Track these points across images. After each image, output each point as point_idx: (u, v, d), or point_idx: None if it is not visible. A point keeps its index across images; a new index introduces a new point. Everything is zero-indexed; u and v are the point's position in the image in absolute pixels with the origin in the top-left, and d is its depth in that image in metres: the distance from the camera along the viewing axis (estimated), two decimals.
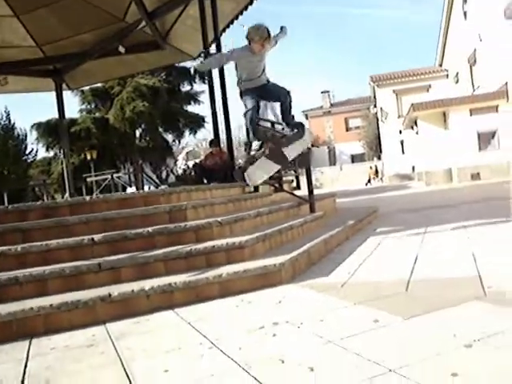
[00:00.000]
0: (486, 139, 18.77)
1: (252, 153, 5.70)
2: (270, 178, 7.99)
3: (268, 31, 4.97)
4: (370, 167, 36.90)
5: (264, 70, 5.36)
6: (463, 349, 2.15)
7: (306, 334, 2.65)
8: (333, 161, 46.11)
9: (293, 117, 5.64)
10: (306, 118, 48.55)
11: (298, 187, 8.94)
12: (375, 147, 38.94)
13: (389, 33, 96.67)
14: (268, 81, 5.46)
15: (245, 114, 5.39)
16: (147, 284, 3.74)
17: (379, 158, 36.83)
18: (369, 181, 34.99)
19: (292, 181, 9.17)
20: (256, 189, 7.18)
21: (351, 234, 6.37)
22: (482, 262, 3.84)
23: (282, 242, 5.09)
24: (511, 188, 11.77)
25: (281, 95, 5.54)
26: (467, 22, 22.95)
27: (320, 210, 6.88)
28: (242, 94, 5.44)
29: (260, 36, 4.92)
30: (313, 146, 44.13)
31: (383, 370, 2.03)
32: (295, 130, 5.63)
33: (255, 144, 5.55)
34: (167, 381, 2.27)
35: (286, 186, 8.27)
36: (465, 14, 23.60)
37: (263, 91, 5.42)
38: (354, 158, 45.30)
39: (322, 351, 2.36)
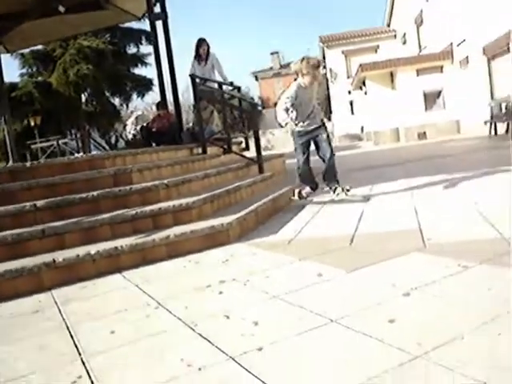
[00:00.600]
0: (431, 99, 19.13)
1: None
2: (219, 139, 7.96)
3: (318, 60, 4.82)
4: None
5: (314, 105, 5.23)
6: (401, 297, 2.23)
7: (251, 291, 2.68)
8: None
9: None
10: (256, 80, 48.24)
11: (247, 148, 8.91)
12: (325, 108, 39.14)
13: None
14: (323, 123, 5.34)
15: (297, 159, 5.29)
16: (93, 248, 3.69)
17: (329, 118, 37.09)
18: None
19: (241, 142, 9.13)
20: (204, 150, 7.12)
21: None
22: (424, 217, 3.95)
23: (230, 202, 5.09)
24: (453, 146, 12.13)
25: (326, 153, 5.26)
26: None
27: (269, 171, 6.89)
28: (293, 133, 5.30)
29: (312, 67, 4.75)
30: (263, 107, 44.00)
31: (325, 321, 2.08)
32: None
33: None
34: (113, 341, 2.26)
35: (235, 148, 8.23)
36: None
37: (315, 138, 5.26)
38: None
39: (267, 306, 2.40)
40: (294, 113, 4.98)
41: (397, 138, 19.82)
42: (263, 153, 7.03)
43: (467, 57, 16.93)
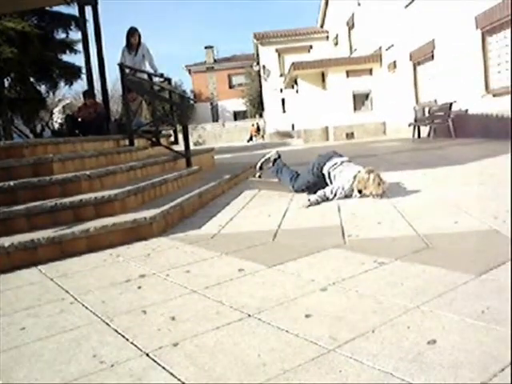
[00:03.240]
0: (360, 100, 19.69)
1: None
2: (147, 132, 7.82)
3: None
4: (252, 124, 37.37)
5: None
6: (318, 292, 2.26)
7: (171, 285, 2.63)
8: (216, 117, 46.01)
9: None
10: (189, 73, 47.78)
11: (176, 142, 8.80)
12: (258, 105, 39.39)
13: None
14: None
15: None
16: (7, 240, 3.51)
17: (261, 115, 37.35)
18: (251, 138, 35.50)
19: (170, 135, 9.01)
20: (131, 142, 6.96)
21: (227, 188, 6.43)
22: (345, 214, 4.05)
23: (155, 195, 5.00)
24: (377, 147, 12.53)
25: None
26: None
27: (197, 165, 6.84)
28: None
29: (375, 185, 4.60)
30: (195, 102, 43.64)
31: (242, 316, 2.08)
32: None
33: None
34: (22, 338, 2.15)
35: (163, 141, 8.11)
36: None
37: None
38: (237, 115, 45.54)
39: (185, 301, 2.37)
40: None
41: (326, 137, 20.24)
42: (194, 147, 6.98)
43: (395, 61, 17.53)
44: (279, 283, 2.46)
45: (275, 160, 5.67)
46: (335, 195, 4.69)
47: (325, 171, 4.97)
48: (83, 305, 2.49)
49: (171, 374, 1.64)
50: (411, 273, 2.40)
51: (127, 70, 7.44)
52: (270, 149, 18.81)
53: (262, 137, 35.70)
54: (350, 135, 19.25)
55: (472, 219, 3.45)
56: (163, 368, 1.69)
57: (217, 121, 44.54)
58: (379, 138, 17.58)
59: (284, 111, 31.68)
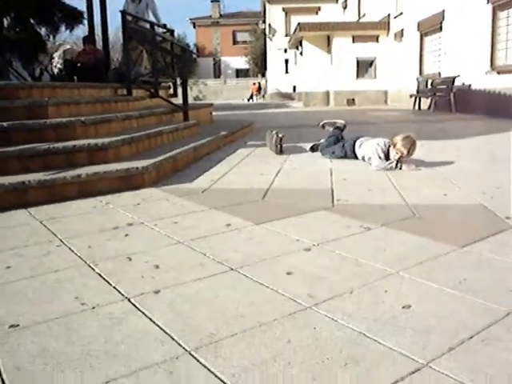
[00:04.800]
0: (364, 67, 19.47)
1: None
2: (146, 82, 7.73)
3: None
4: (254, 83, 36.98)
5: None
6: (302, 252, 2.29)
7: (157, 235, 2.66)
8: (218, 73, 45.47)
9: None
10: (194, 27, 46.95)
11: (175, 95, 8.73)
12: (261, 64, 38.89)
13: None
14: None
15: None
16: None
17: (263, 75, 36.92)
18: (251, 97, 35.19)
19: (169, 87, 8.92)
20: (129, 92, 6.89)
21: (223, 144, 6.41)
22: (338, 178, 4.07)
23: (150, 146, 4.99)
24: (378, 115, 12.48)
25: None
26: None
27: (195, 120, 6.80)
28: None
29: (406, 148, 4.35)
30: (197, 55, 43.04)
31: (225, 269, 2.11)
32: None
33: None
34: (6, 276, 2.18)
35: (162, 93, 8.04)
36: None
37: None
38: (239, 73, 45.02)
39: (171, 250, 2.40)
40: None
41: (327, 102, 20.10)
42: (194, 102, 6.93)
43: (402, 30, 17.27)
44: (264, 240, 2.49)
45: (338, 127, 5.55)
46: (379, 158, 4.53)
47: (356, 148, 4.87)
48: (70, 248, 2.51)
49: (150, 319, 1.68)
50: (395, 240, 2.44)
51: (129, 18, 7.31)
52: (270, 109, 18.66)
53: (263, 96, 35.40)
54: (351, 101, 19.11)
55: (461, 193, 3.47)
56: (143, 313, 1.72)
57: (219, 77, 44.03)
58: (380, 106, 17.47)
59: (287, 72, 31.32)
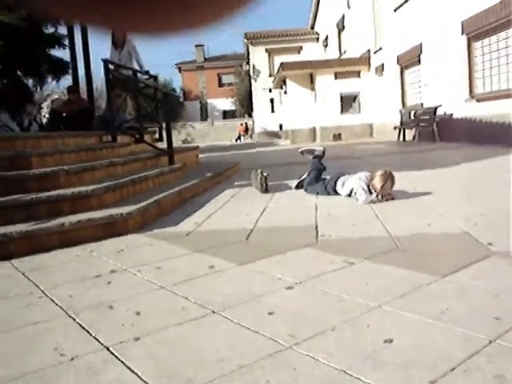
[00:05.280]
0: (348, 102, 19.73)
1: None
2: (131, 128, 7.79)
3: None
4: (241, 124, 37.35)
5: None
6: (284, 290, 2.27)
7: (140, 281, 2.63)
8: (205, 116, 45.92)
9: None
10: (180, 71, 47.66)
11: (161, 139, 8.77)
12: (247, 104, 39.37)
13: None
14: None
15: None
16: None
17: (250, 115, 37.35)
18: (239, 137, 35.47)
19: (155, 132, 8.98)
20: (114, 139, 6.94)
21: (209, 186, 6.42)
22: (322, 214, 4.08)
23: (135, 192, 4.99)
24: (364, 149, 12.60)
25: None
26: None
27: (181, 163, 6.83)
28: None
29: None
30: (181, 98, 43.43)
31: (207, 312, 2.09)
32: None
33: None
34: None
35: (147, 138, 8.09)
36: None
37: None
38: (226, 114, 45.49)
39: (153, 296, 2.37)
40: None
41: (313, 138, 20.28)
42: (182, 145, 6.97)
43: (383, 64, 17.61)
44: (247, 281, 2.47)
45: (318, 156, 5.60)
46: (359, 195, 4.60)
47: (338, 188, 4.90)
48: (51, 299, 2.48)
49: (129, 367, 1.65)
50: (378, 273, 2.43)
51: (112, 66, 7.42)
52: (257, 148, 18.78)
53: (251, 136, 35.70)
54: (337, 136, 19.31)
55: (445, 221, 3.48)
56: (122, 362, 1.69)
57: (206, 119, 44.44)
58: (366, 139, 17.66)
59: (273, 111, 31.68)
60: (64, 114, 8.65)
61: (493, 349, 1.57)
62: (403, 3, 14.88)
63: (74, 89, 9.02)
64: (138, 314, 2.15)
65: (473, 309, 1.91)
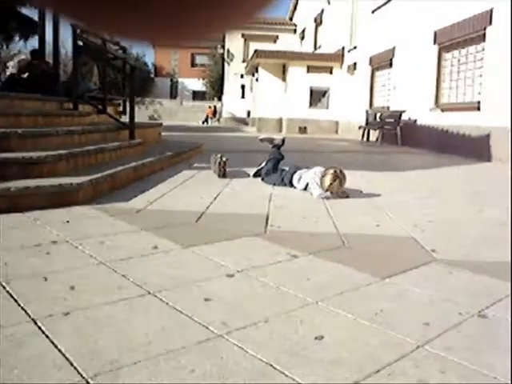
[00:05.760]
0: (317, 97, 19.81)
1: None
2: (95, 98, 7.60)
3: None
4: (209, 106, 37.08)
5: None
6: (224, 278, 2.25)
7: (80, 255, 2.57)
8: (174, 94, 45.36)
9: None
10: (153, 47, 46.85)
11: (125, 113, 8.60)
12: (218, 87, 39.05)
13: None
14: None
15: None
16: None
17: (220, 98, 37.08)
18: (206, 119, 35.21)
19: (119, 105, 8.79)
20: (75, 107, 6.75)
21: (168, 165, 6.33)
22: (275, 205, 4.07)
23: (90, 163, 4.87)
24: (327, 145, 12.69)
25: None
26: None
27: (142, 139, 6.72)
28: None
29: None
30: (155, 75, 42.80)
31: (142, 292, 2.05)
32: None
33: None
34: None
35: (111, 110, 7.91)
36: None
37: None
38: (196, 95, 45.04)
39: (91, 271, 2.31)
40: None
41: (279, 129, 20.30)
42: (149, 122, 6.84)
43: (355, 63, 17.73)
44: (189, 264, 2.44)
45: (276, 145, 5.57)
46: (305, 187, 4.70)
47: (294, 180, 4.90)
48: None
49: (52, 342, 1.60)
50: (320, 269, 2.43)
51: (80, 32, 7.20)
52: (223, 132, 18.70)
53: (218, 120, 35.48)
54: (302, 129, 19.38)
55: (394, 224, 3.53)
56: (46, 336, 1.64)
57: (175, 98, 43.91)
58: (331, 136, 17.78)
59: (243, 97, 31.53)
60: (25, 76, 8.36)
61: (419, 354, 1.59)
62: (381, 6, 14.99)
63: (37, 52, 8.72)
64: (72, 288, 2.09)
65: (406, 313, 1.93)
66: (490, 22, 9.10)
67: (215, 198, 4.24)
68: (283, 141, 5.64)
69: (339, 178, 4.43)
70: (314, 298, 2.03)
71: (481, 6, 9.33)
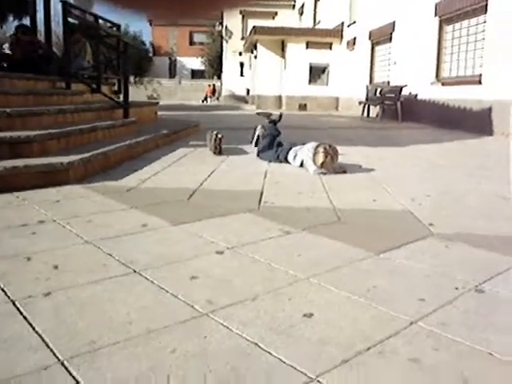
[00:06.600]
0: (316, 74, 19.57)
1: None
2: (89, 77, 7.47)
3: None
4: (209, 85, 36.75)
5: None
6: (213, 255, 2.18)
7: (67, 234, 2.50)
8: (173, 73, 44.96)
9: None
10: (150, 25, 46.32)
11: (120, 92, 8.46)
12: (216, 66, 38.67)
13: None
14: None
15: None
16: None
17: (219, 77, 36.74)
18: (205, 98, 34.93)
19: (114, 84, 8.66)
20: (68, 86, 6.63)
21: (163, 143, 6.24)
22: (271, 180, 4.00)
23: (82, 142, 4.79)
24: (328, 121, 12.56)
25: None
26: None
27: (138, 118, 6.61)
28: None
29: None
30: (154, 54, 42.43)
31: (128, 271, 1.98)
32: None
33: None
34: None
35: (106, 89, 7.79)
36: None
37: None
38: (195, 74, 44.64)
39: (76, 250, 2.24)
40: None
41: (279, 106, 20.10)
42: (147, 100, 6.74)
43: (355, 38, 17.47)
44: (178, 242, 2.37)
45: (273, 121, 5.50)
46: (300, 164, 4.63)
47: (289, 158, 4.82)
48: None
49: (30, 324, 1.53)
50: (313, 244, 2.36)
51: (72, 9, 7.04)
52: (222, 111, 18.57)
53: (217, 98, 35.20)
54: (302, 106, 19.19)
55: (391, 198, 3.45)
56: (24, 318, 1.57)
57: (174, 77, 43.53)
58: (331, 112, 17.60)
59: (242, 75, 31.23)
60: (17, 55, 8.19)
61: (412, 331, 1.52)
62: None
63: (23, 28, 8.51)
64: (55, 267, 2.02)
65: (401, 289, 1.86)
66: None
67: (209, 175, 4.16)
68: (280, 116, 5.54)
69: (330, 154, 4.34)
70: (305, 274, 1.96)
71: None
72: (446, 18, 10.84)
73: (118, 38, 8.23)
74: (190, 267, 2.02)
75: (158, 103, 9.26)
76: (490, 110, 8.83)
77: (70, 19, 7.03)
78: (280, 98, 20.18)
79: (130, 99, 7.47)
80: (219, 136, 5.42)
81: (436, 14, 11.08)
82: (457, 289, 1.88)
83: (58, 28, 12.43)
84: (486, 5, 9.12)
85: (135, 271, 1.98)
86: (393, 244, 2.39)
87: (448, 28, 10.92)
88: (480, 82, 9.27)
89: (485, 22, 9.31)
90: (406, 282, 1.94)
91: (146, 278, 1.91)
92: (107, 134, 5.42)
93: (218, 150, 5.40)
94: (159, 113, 9.85)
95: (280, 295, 1.77)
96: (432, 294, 1.80)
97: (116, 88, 8.66)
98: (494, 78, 8.77)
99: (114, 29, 8.85)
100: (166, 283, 1.85)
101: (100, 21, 8.02)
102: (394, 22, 13.61)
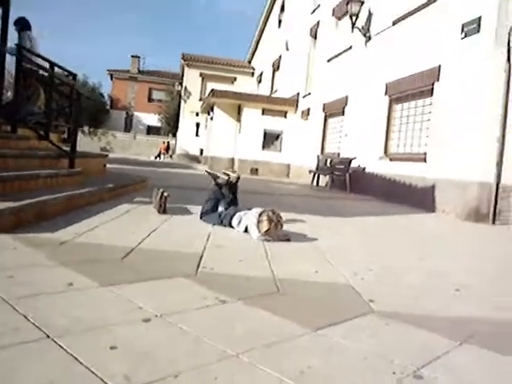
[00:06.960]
0: (270, 139, 19.93)
1: None
2: (38, 123, 7.28)
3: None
4: (163, 142, 36.88)
5: None
6: (140, 322, 2.02)
7: None
8: (129, 127, 44.93)
9: None
10: (111, 79, 46.52)
11: (69, 140, 8.29)
12: (173, 124, 38.95)
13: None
14: None
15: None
16: None
17: (174, 135, 36.93)
18: (159, 155, 34.91)
19: (63, 132, 8.49)
20: (14, 130, 6.43)
21: (107, 197, 6.05)
22: (212, 244, 3.88)
23: (20, 189, 4.57)
24: (278, 187, 12.63)
25: None
26: (280, 30, 24.30)
27: (84, 169, 6.43)
28: None
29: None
30: (111, 107, 42.45)
31: (41, 336, 1.79)
32: None
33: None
34: None
35: (54, 136, 7.60)
36: (279, 21, 24.96)
37: None
38: (150, 130, 44.73)
39: None
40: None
41: (231, 168, 20.17)
42: (98, 152, 6.57)
43: (309, 109, 17.99)
44: (103, 305, 2.19)
45: (219, 184, 5.35)
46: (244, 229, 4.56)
47: (233, 223, 4.74)
48: None
49: None
50: (248, 317, 2.23)
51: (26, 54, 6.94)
52: (174, 169, 18.43)
53: (171, 156, 35.24)
54: (254, 171, 19.36)
55: (333, 271, 3.38)
56: None
57: (129, 131, 43.48)
58: (282, 179, 17.81)
59: (197, 135, 31.52)
60: None
61: None
62: (336, 55, 15.35)
63: None
64: None
65: (335, 371, 1.75)
66: (438, 79, 9.36)
67: (149, 235, 4.00)
68: (228, 181, 5.40)
69: (273, 221, 4.29)
70: (235, 351, 1.82)
71: (430, 63, 9.61)
72: (395, 97, 11.31)
73: (71, 86, 8.13)
74: (111, 335, 1.85)
75: (107, 155, 9.09)
76: (433, 187, 9.10)
77: (23, 64, 6.92)
78: (233, 160, 20.33)
79: (83, 149, 7.32)
80: (165, 194, 5.30)
81: (386, 93, 11.56)
82: (394, 373, 1.78)
83: (12, 69, 12.27)
84: (432, 89, 9.58)
85: (49, 336, 1.79)
86: (332, 320, 2.29)
87: (397, 107, 11.38)
88: (425, 160, 9.60)
89: (431, 103, 9.75)
90: (342, 363, 1.83)
91: (59, 345, 1.73)
92: (49, 182, 5.21)
93: (163, 209, 5.26)
94: (110, 166, 9.68)
95: (206, 373, 1.62)
96: (368, 380, 1.70)
97: (66, 136, 8.49)
98: (438, 157, 9.10)
99: (70, 77, 8.77)
100: (81, 352, 1.67)
101: (56, 68, 7.94)
102: (346, 97, 14.12)
